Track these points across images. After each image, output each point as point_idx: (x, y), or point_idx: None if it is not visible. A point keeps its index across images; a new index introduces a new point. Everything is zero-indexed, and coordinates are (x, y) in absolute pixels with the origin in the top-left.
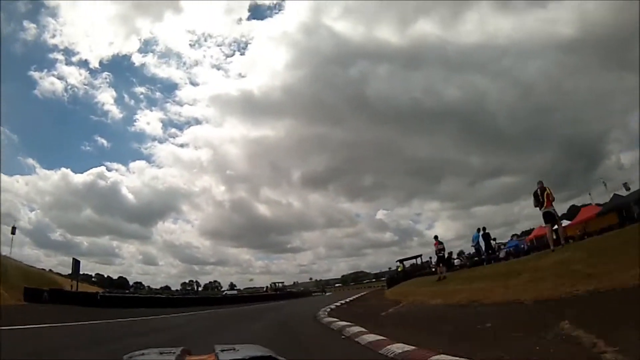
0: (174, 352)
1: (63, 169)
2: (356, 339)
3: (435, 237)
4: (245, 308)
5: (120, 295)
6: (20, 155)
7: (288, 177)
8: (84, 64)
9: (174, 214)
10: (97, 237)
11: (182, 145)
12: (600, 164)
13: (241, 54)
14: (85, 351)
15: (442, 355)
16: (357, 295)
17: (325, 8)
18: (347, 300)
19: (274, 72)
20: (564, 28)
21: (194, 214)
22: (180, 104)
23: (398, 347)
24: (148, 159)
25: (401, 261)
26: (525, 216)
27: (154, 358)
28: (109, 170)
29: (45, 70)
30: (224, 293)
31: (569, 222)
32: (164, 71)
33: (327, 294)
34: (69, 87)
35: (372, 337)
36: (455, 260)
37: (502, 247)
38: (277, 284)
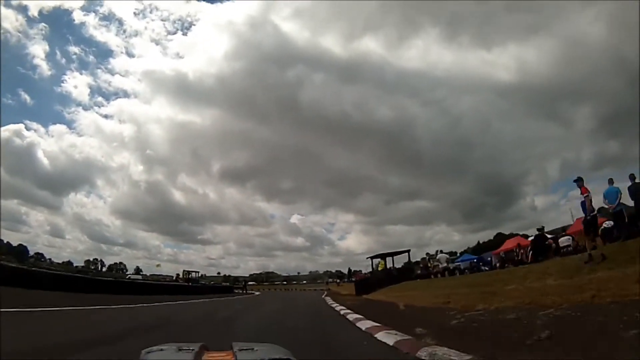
0: (192, 349)
1: None
2: None
3: (580, 180)
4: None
5: None
6: None
7: (208, 167)
8: (23, 9)
9: (88, 186)
10: (4, 199)
11: (106, 116)
12: (515, 203)
13: (183, 34)
14: None
15: None
16: (332, 303)
17: (277, 6)
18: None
19: (211, 59)
20: (502, 72)
21: (108, 190)
22: (112, 72)
23: None
24: (70, 124)
25: (382, 256)
26: (437, 241)
27: (172, 354)
28: (27, 129)
29: None
30: (127, 277)
31: None
32: (102, 35)
33: (256, 293)
34: (2, 31)
35: None
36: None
37: None
38: (190, 274)
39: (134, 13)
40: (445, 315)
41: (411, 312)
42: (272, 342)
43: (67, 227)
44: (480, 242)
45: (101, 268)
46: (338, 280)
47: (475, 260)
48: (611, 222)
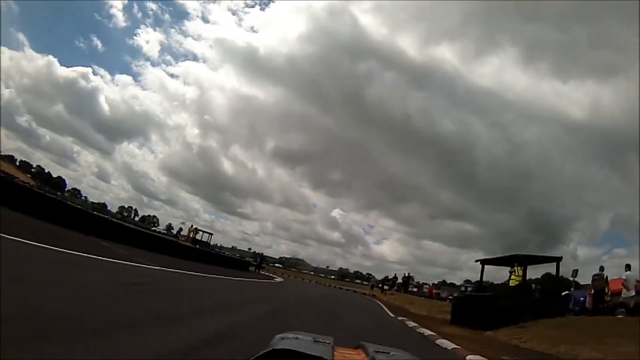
0: (328, 343)
1: (51, 57)
2: None
3: None
4: None
5: None
6: (14, 27)
7: (262, 144)
8: None
9: (142, 139)
10: (61, 135)
11: (172, 75)
12: (556, 247)
13: (261, 9)
14: None
15: None
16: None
17: None
18: None
19: (285, 39)
20: (574, 108)
21: (160, 146)
22: (185, 34)
23: None
24: (135, 76)
25: (519, 261)
26: (470, 267)
27: (309, 344)
28: (94, 74)
29: None
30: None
31: None
32: None
33: (278, 278)
34: None
35: None
36: None
37: None
38: (199, 233)
39: None
40: None
41: None
42: None
43: (114, 174)
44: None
45: (134, 217)
46: (386, 287)
47: None
48: None
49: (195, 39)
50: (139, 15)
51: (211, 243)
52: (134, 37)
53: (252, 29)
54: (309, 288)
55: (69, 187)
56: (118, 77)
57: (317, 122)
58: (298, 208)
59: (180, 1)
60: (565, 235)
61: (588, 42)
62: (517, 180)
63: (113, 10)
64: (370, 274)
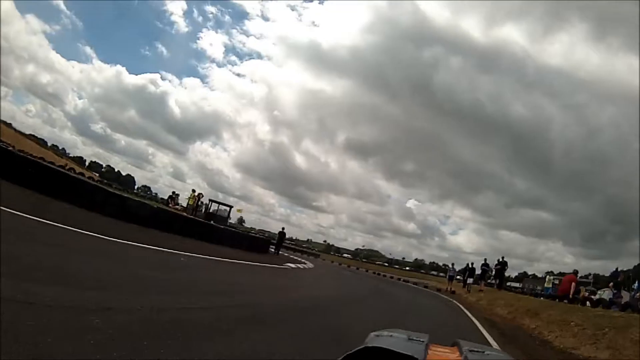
0: (422, 341)
1: (119, 66)
2: None
3: None
4: None
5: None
6: (80, 41)
7: (333, 137)
8: None
9: (214, 138)
10: (135, 139)
11: (239, 75)
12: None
13: (319, 3)
14: None
15: None
16: None
17: None
18: None
19: (347, 31)
20: None
21: (232, 143)
22: (246, 34)
23: None
24: (203, 78)
25: None
26: (547, 259)
27: (403, 342)
28: (162, 79)
29: None
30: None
31: None
32: None
33: (304, 265)
34: None
35: None
36: None
37: None
38: (205, 203)
39: None
40: None
41: None
42: None
43: (189, 172)
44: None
45: (205, 211)
46: (469, 280)
47: None
48: None
49: (257, 38)
50: (200, 19)
51: (230, 218)
52: (197, 41)
53: (313, 24)
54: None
55: (139, 184)
56: (186, 80)
57: (386, 111)
58: (372, 200)
59: (238, 1)
60: None
61: None
62: (596, 166)
63: (174, 17)
64: (447, 265)
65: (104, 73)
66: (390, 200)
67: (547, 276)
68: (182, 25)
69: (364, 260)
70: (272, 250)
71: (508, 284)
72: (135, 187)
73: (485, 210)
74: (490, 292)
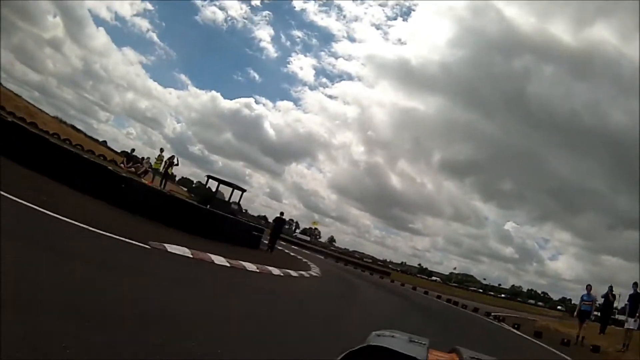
0: (424, 344)
1: (213, 92)
2: None
3: None
4: None
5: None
6: (175, 70)
7: (427, 156)
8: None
9: (309, 159)
10: (232, 160)
11: (330, 97)
12: None
13: (404, 20)
14: None
15: None
16: None
17: None
18: None
19: (434, 46)
20: None
21: (328, 164)
22: (335, 56)
23: None
24: (296, 101)
25: None
26: None
27: (404, 343)
28: (256, 102)
29: (208, 0)
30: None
31: None
32: (323, 20)
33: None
34: (229, 18)
35: None
36: None
37: None
38: (171, 162)
39: None
40: None
41: None
42: None
43: (285, 193)
44: None
45: (295, 229)
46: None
47: None
48: None
49: (346, 59)
50: (288, 43)
51: (235, 205)
52: (288, 65)
53: (400, 41)
54: None
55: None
56: (279, 103)
57: (481, 128)
58: (469, 222)
59: (324, 24)
60: None
61: None
62: None
63: (263, 44)
64: (545, 293)
65: (200, 98)
66: (487, 223)
67: None
68: (271, 51)
69: (454, 284)
70: (266, 244)
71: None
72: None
73: (585, 233)
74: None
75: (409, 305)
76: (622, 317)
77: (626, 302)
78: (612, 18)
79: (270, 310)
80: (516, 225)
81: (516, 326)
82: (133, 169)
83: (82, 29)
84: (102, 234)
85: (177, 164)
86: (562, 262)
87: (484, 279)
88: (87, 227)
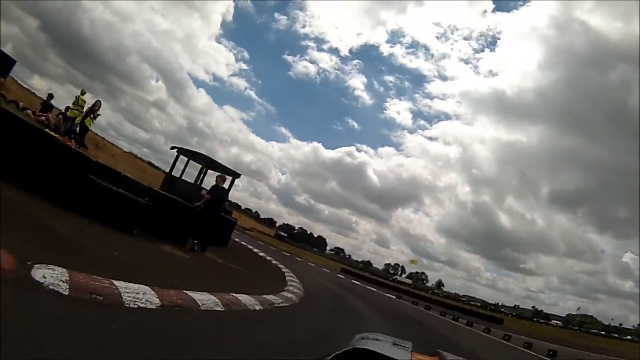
0: (407, 347)
1: (315, 142)
2: None
3: None
4: None
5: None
6: (276, 124)
7: (535, 190)
8: (334, 51)
9: (415, 203)
10: (337, 209)
11: (430, 138)
12: None
13: (491, 50)
14: None
15: None
16: None
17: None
18: None
19: (526, 72)
20: None
21: (434, 208)
22: (429, 97)
23: None
24: (397, 146)
25: None
26: None
27: (388, 346)
28: (358, 150)
29: (298, 55)
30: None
31: None
32: (412, 62)
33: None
34: (321, 70)
35: None
36: None
37: None
38: (96, 109)
39: (436, 37)
40: None
41: None
42: None
43: (393, 239)
44: None
45: (400, 274)
46: None
47: None
48: None
49: (441, 99)
50: (381, 89)
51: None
52: (385, 111)
53: (491, 73)
54: None
55: (331, 246)
56: (380, 149)
57: (588, 152)
58: (584, 257)
59: (412, 66)
60: None
61: None
62: None
63: (357, 92)
64: None
65: (302, 150)
66: (603, 256)
67: None
68: (366, 98)
69: (575, 328)
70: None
71: None
72: (327, 248)
73: None
74: None
75: None
76: None
77: None
78: None
79: None
80: (635, 256)
81: None
82: (43, 118)
83: (183, 91)
84: None
85: (99, 114)
86: None
87: (612, 320)
88: None
